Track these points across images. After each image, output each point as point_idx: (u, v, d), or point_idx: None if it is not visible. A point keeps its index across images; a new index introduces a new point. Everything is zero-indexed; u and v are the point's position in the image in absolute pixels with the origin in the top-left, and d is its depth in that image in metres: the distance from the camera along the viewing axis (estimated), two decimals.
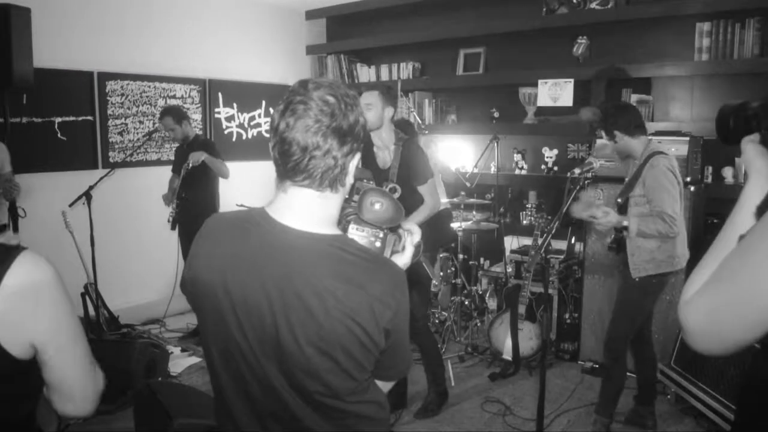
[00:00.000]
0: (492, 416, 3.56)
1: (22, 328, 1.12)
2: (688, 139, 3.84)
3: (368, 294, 1.13)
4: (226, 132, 5.77)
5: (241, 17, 5.80)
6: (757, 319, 0.87)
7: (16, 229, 3.85)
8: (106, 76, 4.87)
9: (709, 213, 4.00)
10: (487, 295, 5.01)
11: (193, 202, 4.46)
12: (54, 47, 4.45)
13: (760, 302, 0.86)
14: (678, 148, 3.74)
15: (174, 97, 5.33)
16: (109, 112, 4.93)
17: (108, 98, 4.91)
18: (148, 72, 5.12)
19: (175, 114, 4.56)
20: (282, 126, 1.13)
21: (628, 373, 3.35)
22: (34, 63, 3.86)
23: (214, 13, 5.58)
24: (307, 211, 1.18)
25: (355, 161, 1.21)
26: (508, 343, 4.11)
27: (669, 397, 3.64)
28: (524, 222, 5.10)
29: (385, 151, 3.28)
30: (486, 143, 4.85)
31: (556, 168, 5.00)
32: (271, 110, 1.19)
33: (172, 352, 4.21)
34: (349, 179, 1.22)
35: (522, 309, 4.06)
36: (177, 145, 4.81)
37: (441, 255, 4.76)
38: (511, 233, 5.11)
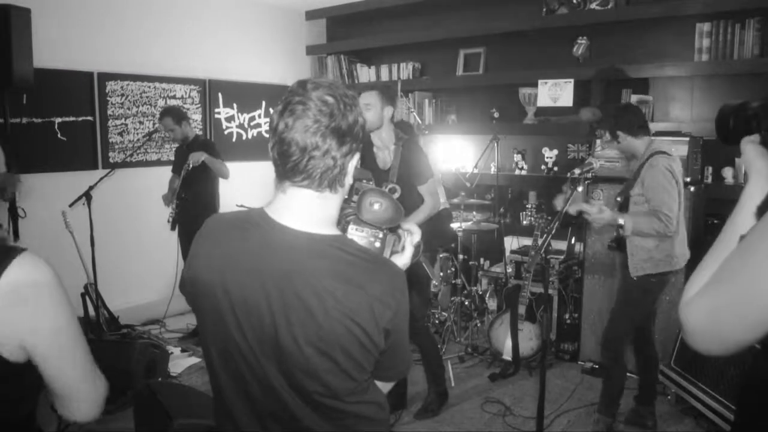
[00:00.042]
0: (492, 416, 3.56)
1: (16, 329, 1.11)
2: (688, 139, 3.84)
3: (368, 294, 1.13)
4: (226, 132, 5.77)
5: (241, 17, 5.80)
6: (758, 319, 0.87)
7: (16, 229, 3.85)
8: (106, 77, 4.87)
9: (709, 213, 3.99)
10: (487, 295, 5.01)
11: (193, 203, 4.46)
12: (54, 47, 4.45)
13: (761, 302, 0.86)
14: (678, 148, 3.73)
15: (174, 97, 5.33)
16: (109, 112, 4.93)
17: (108, 98, 4.91)
18: (148, 72, 5.12)
19: (175, 114, 4.56)
20: (281, 126, 1.13)
21: (628, 374, 3.35)
22: (34, 63, 3.86)
23: (214, 13, 5.58)
24: (306, 211, 1.18)
25: (354, 161, 1.21)
26: (508, 343, 4.11)
27: (669, 397, 3.64)
28: (524, 222, 5.10)
29: (385, 152, 3.28)
30: (486, 143, 4.84)
31: (556, 168, 5.00)
32: (271, 110, 1.19)
33: (172, 353, 4.20)
34: (349, 179, 1.22)
35: (522, 309, 4.06)
36: (177, 145, 4.81)
37: (441, 255, 4.76)
38: (511, 233, 5.11)
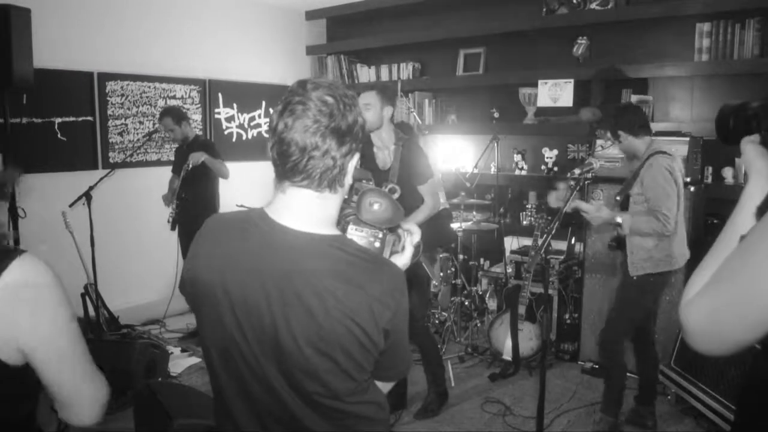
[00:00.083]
0: (492, 416, 3.55)
1: (15, 330, 1.11)
2: (688, 139, 3.84)
3: (368, 294, 1.13)
4: (226, 132, 5.77)
5: (241, 17, 5.80)
6: (758, 319, 0.87)
7: (15, 228, 3.84)
8: (106, 77, 4.87)
9: (709, 213, 3.99)
10: (487, 295, 5.01)
11: (192, 203, 4.46)
12: (54, 47, 4.45)
13: (761, 302, 0.86)
14: (678, 148, 3.73)
15: (174, 97, 5.33)
16: (109, 112, 4.93)
17: (108, 98, 4.91)
18: (148, 72, 5.12)
19: (175, 114, 4.56)
20: (280, 126, 1.13)
21: (629, 374, 3.35)
22: (34, 63, 3.86)
23: (214, 13, 5.58)
24: (306, 211, 1.18)
25: (354, 161, 1.21)
26: (508, 343, 4.11)
27: (669, 397, 3.64)
28: (524, 222, 5.09)
29: (385, 152, 3.28)
30: (486, 143, 4.84)
31: (556, 168, 4.99)
32: (271, 110, 1.18)
33: (172, 353, 4.21)
34: (348, 180, 1.22)
35: (522, 309, 4.06)
36: (177, 145, 4.82)
37: (441, 255, 4.75)
38: (511, 234, 5.11)
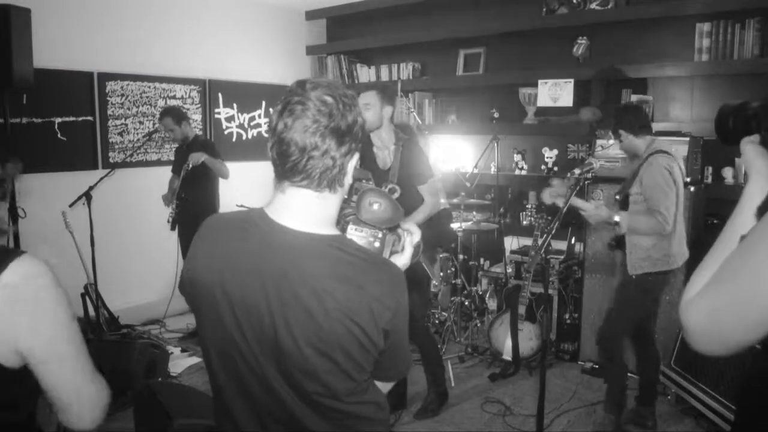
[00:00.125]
0: (492, 416, 3.55)
1: (14, 331, 1.10)
2: (688, 139, 3.84)
3: (367, 294, 1.13)
4: (226, 132, 5.77)
5: (241, 17, 5.80)
6: (758, 319, 0.87)
7: (15, 228, 3.84)
8: (106, 77, 4.87)
9: (709, 213, 3.99)
10: (487, 295, 5.01)
11: (192, 203, 4.46)
12: (54, 47, 4.45)
13: (761, 302, 0.86)
14: (678, 148, 3.73)
15: (174, 97, 5.32)
16: (109, 112, 4.93)
17: (108, 98, 4.91)
18: (148, 72, 5.12)
19: (175, 114, 4.56)
20: (280, 126, 1.13)
21: (629, 374, 3.35)
22: (34, 63, 3.86)
23: (214, 13, 5.58)
24: (306, 211, 1.18)
25: (353, 161, 1.21)
26: (508, 343, 4.11)
27: (669, 397, 3.64)
28: (524, 222, 5.09)
29: (385, 152, 3.27)
30: (486, 143, 4.84)
31: (556, 168, 4.99)
32: (271, 110, 1.18)
33: (172, 353, 4.21)
34: (348, 179, 1.22)
35: (522, 309, 4.06)
36: (177, 145, 4.82)
37: (441, 255, 4.75)
38: (511, 233, 5.11)
